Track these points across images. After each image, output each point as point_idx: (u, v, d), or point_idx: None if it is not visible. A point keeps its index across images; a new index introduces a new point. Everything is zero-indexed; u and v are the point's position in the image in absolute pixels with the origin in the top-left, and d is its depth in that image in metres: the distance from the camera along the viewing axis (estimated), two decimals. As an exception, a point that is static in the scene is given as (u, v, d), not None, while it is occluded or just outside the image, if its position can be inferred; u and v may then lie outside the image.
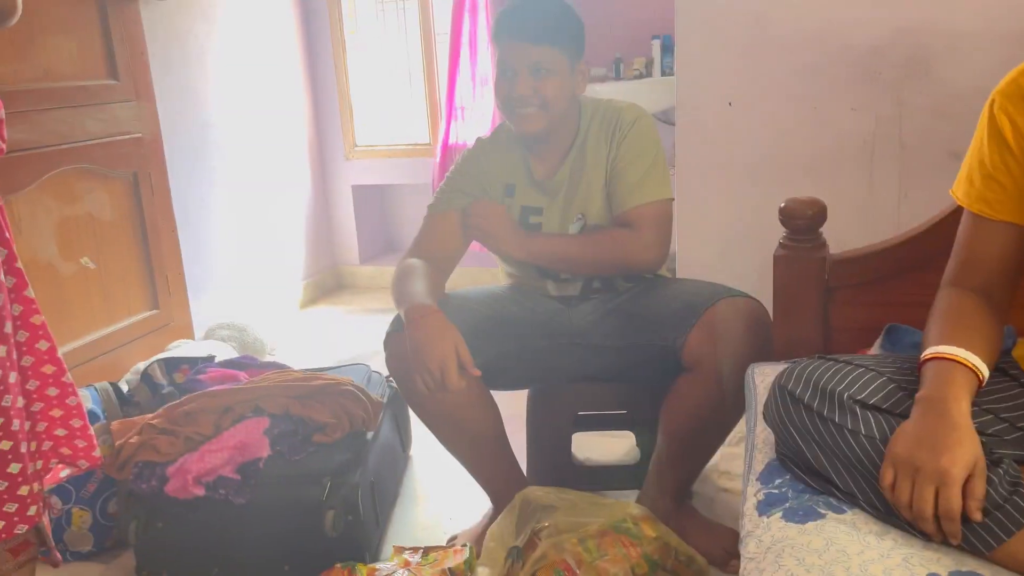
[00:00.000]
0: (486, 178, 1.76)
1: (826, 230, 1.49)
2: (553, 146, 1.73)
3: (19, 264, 1.39)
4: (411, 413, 2.22)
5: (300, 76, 3.74)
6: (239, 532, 1.63)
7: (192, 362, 2.05)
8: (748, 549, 1.00)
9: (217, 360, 2.10)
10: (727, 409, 1.58)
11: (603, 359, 1.73)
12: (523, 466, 1.88)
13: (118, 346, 2.58)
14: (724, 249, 2.39)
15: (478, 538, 1.73)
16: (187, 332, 2.87)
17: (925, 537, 0.93)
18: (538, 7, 1.65)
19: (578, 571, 1.43)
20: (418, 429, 2.24)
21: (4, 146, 1.40)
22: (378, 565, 1.62)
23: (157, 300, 2.76)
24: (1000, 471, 0.92)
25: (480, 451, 1.73)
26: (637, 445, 2.05)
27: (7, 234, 1.36)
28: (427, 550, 1.69)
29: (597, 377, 1.80)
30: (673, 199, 1.72)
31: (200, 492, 1.58)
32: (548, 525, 1.52)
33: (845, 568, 0.89)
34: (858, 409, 1.01)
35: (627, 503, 1.55)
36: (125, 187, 2.66)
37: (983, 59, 2.08)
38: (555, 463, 1.95)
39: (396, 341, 1.62)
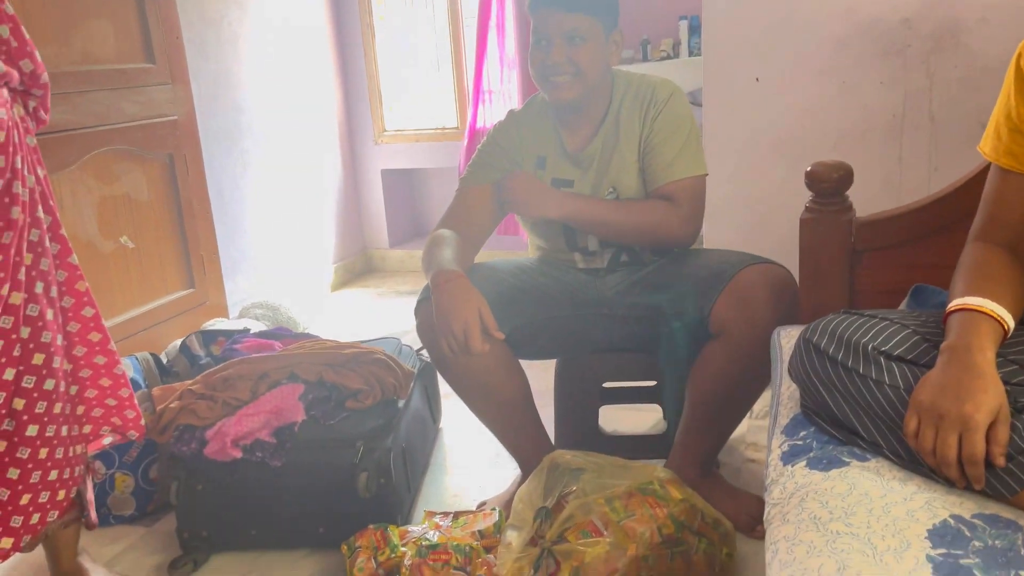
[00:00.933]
0: (517, 151, 1.78)
1: (856, 203, 1.49)
2: (586, 117, 1.74)
3: (63, 231, 1.44)
4: (441, 387, 2.27)
5: (330, 62, 3.79)
6: (275, 493, 1.68)
7: (228, 334, 2.11)
8: (772, 495, 1.02)
9: (252, 332, 2.15)
10: (754, 375, 1.60)
11: (631, 329, 1.75)
12: (551, 437, 1.91)
13: (155, 324, 2.64)
14: (752, 225, 2.39)
15: (507, 504, 1.76)
16: (222, 311, 2.94)
17: (948, 483, 0.95)
18: None
19: (605, 531, 1.46)
20: (447, 403, 2.29)
21: (48, 118, 1.45)
22: (409, 527, 1.66)
23: (193, 279, 2.83)
24: (1024, 418, 0.93)
25: (508, 417, 1.76)
26: (664, 418, 2.07)
27: (51, 202, 1.41)
28: (457, 514, 1.73)
29: (625, 347, 1.82)
30: (707, 174, 1.73)
31: (237, 454, 1.63)
32: (576, 488, 1.55)
33: (868, 510, 0.91)
34: (882, 360, 1.02)
35: (654, 466, 1.57)
36: (161, 168, 2.72)
37: (1014, 29, 2.07)
38: (583, 433, 1.98)
39: (426, 309, 1.66)
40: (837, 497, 0.94)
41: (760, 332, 1.50)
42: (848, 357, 1.04)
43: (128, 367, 1.97)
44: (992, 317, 0.97)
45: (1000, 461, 0.89)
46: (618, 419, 2.18)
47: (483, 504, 1.85)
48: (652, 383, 2.02)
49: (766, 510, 1.02)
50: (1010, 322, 0.98)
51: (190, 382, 1.77)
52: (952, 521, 0.88)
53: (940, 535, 0.86)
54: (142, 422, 1.59)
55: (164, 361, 2.09)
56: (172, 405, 1.69)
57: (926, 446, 0.92)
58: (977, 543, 0.85)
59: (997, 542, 0.85)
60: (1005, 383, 0.96)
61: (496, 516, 1.69)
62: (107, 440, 1.62)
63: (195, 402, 1.69)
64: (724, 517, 1.54)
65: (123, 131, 2.55)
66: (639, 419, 2.20)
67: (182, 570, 1.70)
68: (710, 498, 1.66)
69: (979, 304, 0.98)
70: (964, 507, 0.91)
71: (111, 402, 1.57)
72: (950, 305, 1.02)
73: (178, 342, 2.22)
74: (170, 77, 2.73)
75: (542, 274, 1.79)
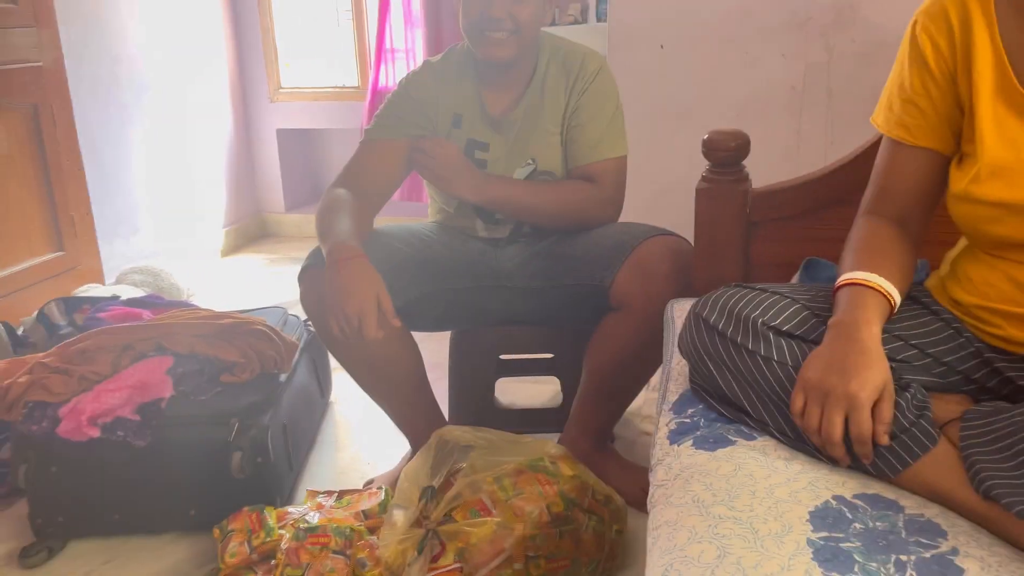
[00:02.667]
0: (432, 106, 1.66)
1: (754, 175, 1.46)
2: (511, 79, 1.65)
3: None
4: (332, 359, 2.16)
5: (220, 11, 3.55)
6: (140, 476, 1.56)
7: (93, 301, 1.94)
8: (657, 476, 0.98)
9: (121, 300, 1.99)
10: (653, 348, 1.56)
11: (529, 301, 1.69)
12: (445, 411, 1.84)
13: (17, 289, 2.43)
14: (655, 194, 2.37)
15: (395, 482, 1.68)
16: (96, 276, 2.73)
17: (833, 462, 0.92)
18: None
19: (493, 510, 1.40)
20: (339, 375, 2.18)
21: None
22: (289, 508, 1.57)
23: (62, 242, 2.61)
24: (908, 395, 0.91)
25: (399, 392, 1.68)
26: (562, 391, 2.03)
27: None
28: (342, 493, 1.65)
29: (523, 320, 1.76)
30: (627, 154, 1.68)
31: (95, 433, 1.49)
32: (465, 465, 1.48)
33: (751, 492, 0.87)
34: (771, 335, 0.99)
35: (546, 442, 1.52)
36: (24, 120, 2.48)
37: (912, 3, 2.08)
38: (478, 407, 1.92)
39: (313, 276, 1.55)
40: (722, 479, 0.91)
41: (660, 304, 1.47)
42: (737, 333, 1.00)
43: (-26, 337, 1.78)
44: (879, 291, 0.95)
45: (884, 439, 0.87)
46: (514, 392, 2.13)
47: (370, 482, 1.77)
48: (549, 355, 1.98)
49: (651, 491, 0.97)
50: (896, 297, 0.96)
51: (43, 355, 1.61)
52: (834, 502, 0.86)
53: (822, 517, 0.83)
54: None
55: (19, 331, 1.90)
56: (21, 380, 1.53)
57: (812, 424, 0.90)
58: (858, 525, 0.82)
59: (878, 523, 0.83)
60: (890, 359, 0.94)
61: (382, 495, 1.61)
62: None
63: (48, 376, 1.54)
64: (616, 493, 1.51)
65: (-23, 77, 2.31)
66: (536, 392, 2.16)
67: (35, 558, 1.56)
68: (603, 472, 1.63)
69: (866, 278, 0.96)
70: (846, 487, 0.89)
71: None
72: (839, 280, 0.99)
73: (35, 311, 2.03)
74: (34, 19, 2.49)
75: (439, 243, 1.70)
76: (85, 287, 2.58)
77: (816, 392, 0.89)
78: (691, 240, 1.57)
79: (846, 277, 0.98)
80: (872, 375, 0.87)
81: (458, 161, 1.62)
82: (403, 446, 1.85)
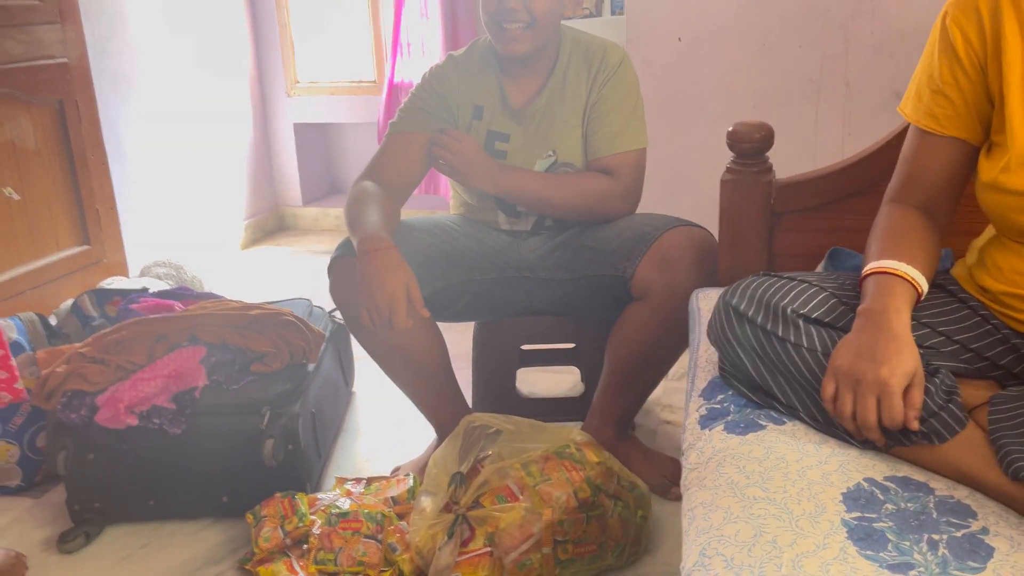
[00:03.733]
0: (453, 97, 1.69)
1: (774, 164, 1.48)
2: (532, 71, 1.67)
3: None
4: (355, 349, 2.19)
5: (241, 6, 3.58)
6: (175, 463, 1.59)
7: (124, 294, 1.98)
8: (689, 460, 1.00)
9: (151, 292, 2.02)
10: (674, 338, 1.58)
11: (551, 292, 1.72)
12: (469, 400, 1.87)
13: (45, 282, 2.47)
14: (673, 185, 2.39)
15: (422, 469, 1.72)
16: (121, 269, 2.77)
17: (864, 447, 0.95)
18: None
19: (520, 496, 1.43)
20: (361, 365, 2.21)
21: None
22: (319, 495, 1.60)
23: (88, 235, 2.65)
24: (936, 380, 0.93)
25: (425, 381, 1.71)
26: (582, 380, 2.05)
27: None
28: (370, 480, 1.68)
29: (545, 311, 1.78)
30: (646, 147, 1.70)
31: (133, 422, 1.53)
32: (492, 452, 1.52)
33: (784, 474, 0.90)
34: (800, 323, 1.01)
35: (571, 429, 1.55)
36: (50, 114, 2.52)
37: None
38: (500, 396, 1.94)
39: (343, 266, 1.58)
40: (754, 461, 0.93)
41: (682, 294, 1.49)
42: (767, 320, 1.02)
43: (10, 328, 1.82)
44: (906, 279, 0.97)
45: (915, 425, 0.89)
46: (536, 382, 2.16)
47: (397, 469, 1.80)
48: (571, 345, 2.00)
49: (683, 474, 1.00)
50: (924, 284, 0.98)
51: (79, 345, 1.65)
52: (865, 484, 0.88)
53: (854, 498, 0.86)
54: (17, 385, 1.48)
55: (53, 323, 1.94)
56: (59, 369, 1.57)
57: (845, 411, 0.92)
58: (890, 506, 0.85)
59: (909, 505, 0.85)
60: (919, 346, 0.96)
61: (410, 482, 1.64)
62: (-16, 406, 1.49)
63: (85, 366, 1.57)
64: (640, 480, 1.54)
65: (6, 73, 2.35)
66: (557, 382, 2.18)
67: (73, 543, 1.59)
68: (626, 460, 1.66)
69: (893, 267, 0.98)
70: (876, 470, 0.91)
71: None
72: (865, 268, 1.01)
73: (69, 302, 2.07)
74: (59, 16, 2.52)
75: (463, 235, 1.73)
76: (110, 280, 2.62)
77: (848, 379, 0.91)
78: (712, 230, 1.59)
79: (873, 265, 0.99)
80: (902, 361, 0.89)
81: (475, 154, 1.65)
82: (425, 434, 1.88)
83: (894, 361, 0.89)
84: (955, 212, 1.09)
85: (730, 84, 2.33)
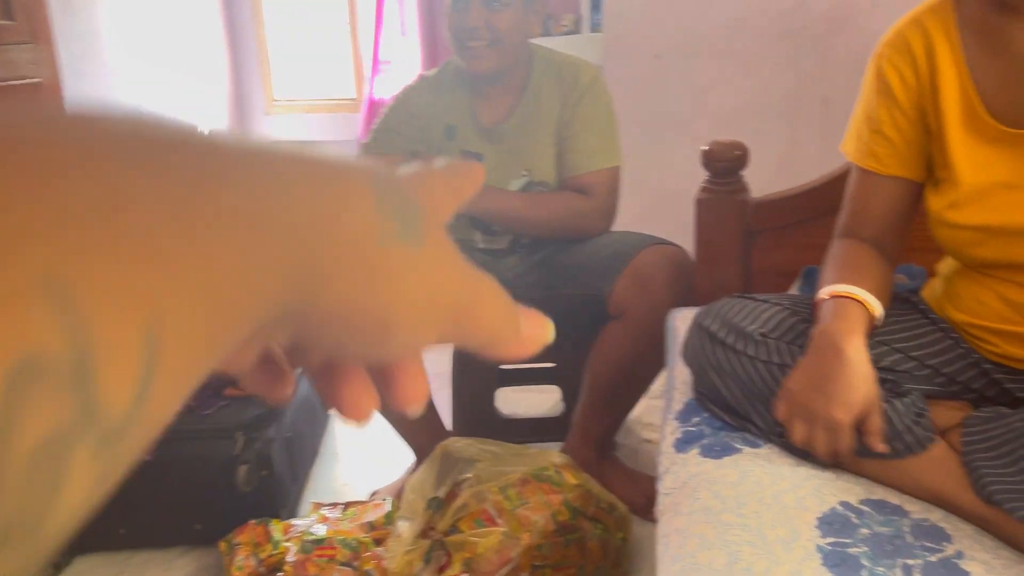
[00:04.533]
0: (425, 118, 1.68)
1: (750, 183, 1.48)
2: (503, 89, 1.67)
3: None
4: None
5: (219, 25, 3.57)
6: (147, 489, 1.56)
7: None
8: (665, 484, 0.99)
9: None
10: (652, 356, 1.57)
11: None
12: (447, 421, 1.85)
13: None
14: (651, 203, 2.38)
15: (399, 493, 1.69)
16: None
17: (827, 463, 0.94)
18: None
19: (499, 520, 1.41)
20: (340, 386, 2.18)
21: None
22: (294, 521, 1.57)
23: (61, 257, 2.61)
24: (907, 401, 0.93)
25: None
26: (563, 400, 2.04)
27: None
28: (347, 505, 1.65)
29: (522, 329, 1.77)
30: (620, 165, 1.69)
31: (102, 449, 1.49)
32: (470, 476, 1.50)
33: (759, 499, 0.89)
34: (770, 342, 1.01)
35: (550, 452, 1.54)
36: (23, 136, 2.49)
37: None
38: (479, 417, 1.93)
39: None
40: (729, 486, 0.92)
41: (659, 313, 1.48)
42: (738, 341, 1.02)
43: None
44: (860, 302, 0.96)
45: (880, 448, 0.89)
46: (516, 401, 2.14)
47: (375, 493, 1.77)
48: (550, 364, 1.99)
49: (659, 500, 0.98)
50: (878, 309, 0.97)
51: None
52: (841, 508, 0.87)
53: (829, 523, 0.84)
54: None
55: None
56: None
57: (797, 440, 0.92)
58: (865, 530, 0.84)
59: (884, 528, 0.84)
60: (891, 370, 0.98)
61: (387, 506, 1.62)
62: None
63: (53, 393, 1.54)
64: (619, 501, 1.52)
65: (-25, 94, 2.32)
66: (537, 401, 2.17)
67: (43, 575, 1.56)
68: (607, 481, 1.64)
69: (846, 290, 0.97)
70: (852, 493, 0.90)
71: None
72: (819, 294, 1.00)
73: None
74: (31, 35, 2.49)
75: None
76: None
77: (800, 410, 0.91)
78: (689, 249, 1.59)
79: (827, 290, 0.99)
80: (854, 396, 0.88)
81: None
82: (405, 457, 1.85)
83: (844, 395, 0.88)
84: (904, 244, 1.09)
85: (708, 101, 2.34)
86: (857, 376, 0.89)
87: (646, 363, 1.61)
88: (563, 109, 1.65)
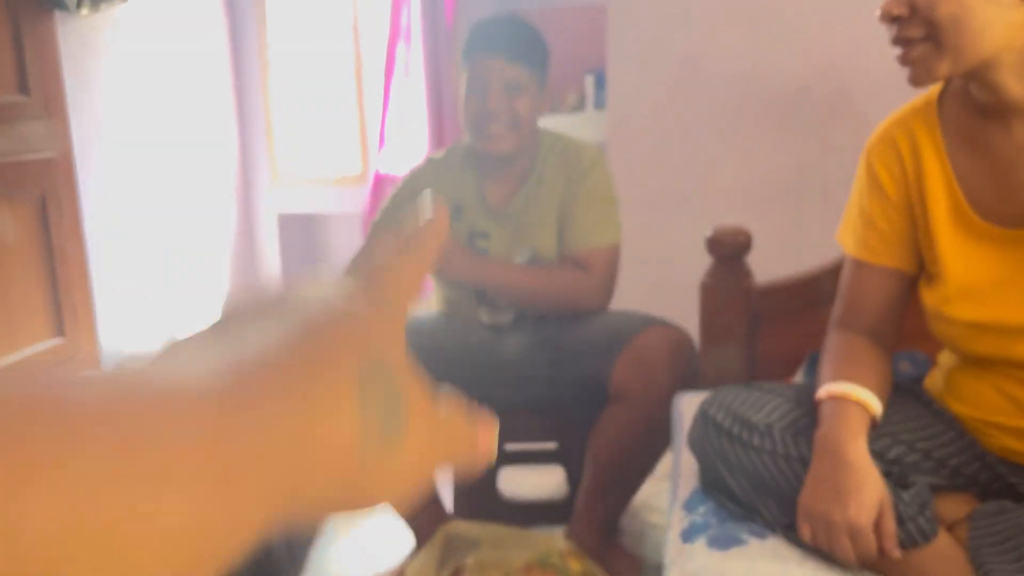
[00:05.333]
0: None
1: (755, 266, 1.49)
2: (511, 171, 1.71)
3: None
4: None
5: (228, 101, 3.65)
6: None
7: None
8: (672, 578, 0.97)
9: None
10: (654, 438, 1.56)
11: (532, 389, 1.70)
12: (448, 503, 1.82)
13: (18, 376, 2.42)
14: (654, 283, 2.39)
15: (398, 578, 1.65)
16: (94, 364, 2.72)
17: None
18: (511, 26, 1.66)
19: (501, 609, 1.37)
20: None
21: None
22: (290, 607, 1.53)
23: (64, 328, 2.61)
24: (912, 492, 0.93)
25: None
26: (567, 481, 2.01)
27: None
28: (344, 591, 1.61)
29: (527, 408, 1.76)
30: (619, 244, 1.72)
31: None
32: (471, 562, 1.46)
33: (768, 598, 0.87)
34: (774, 432, 1.00)
35: (553, 537, 1.51)
36: (32, 209, 2.52)
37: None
38: (481, 498, 1.89)
39: None
40: (737, 583, 0.90)
41: (658, 395, 1.48)
42: (743, 431, 1.01)
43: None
44: (858, 403, 0.96)
45: (895, 554, 0.88)
46: (520, 482, 2.10)
47: (375, 579, 1.73)
48: (553, 444, 1.97)
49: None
50: (876, 406, 0.98)
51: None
52: (850, 608, 0.85)
53: (839, 623, 0.82)
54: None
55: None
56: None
57: (825, 550, 0.91)
58: (875, 631, 0.81)
59: (896, 631, 0.82)
60: (896, 463, 0.97)
61: (385, 592, 1.58)
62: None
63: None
64: (624, 589, 1.48)
65: (-11, 168, 2.36)
66: (541, 482, 2.13)
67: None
68: (612, 567, 1.61)
69: (845, 391, 0.97)
70: (862, 590, 0.88)
71: None
72: (818, 393, 1.00)
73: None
74: (46, 111, 2.55)
75: (444, 332, 1.72)
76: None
77: (820, 522, 0.91)
78: (691, 330, 1.59)
79: (826, 389, 0.99)
80: (866, 497, 0.89)
81: (451, 245, 1.66)
82: (404, 542, 1.82)
83: (859, 498, 0.89)
84: (900, 331, 1.10)
85: (711, 183, 2.38)
86: (867, 479, 0.89)
87: (648, 446, 1.60)
88: (566, 189, 1.68)
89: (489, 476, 1.91)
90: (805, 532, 0.92)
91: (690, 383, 1.48)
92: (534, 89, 1.64)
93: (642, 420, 1.53)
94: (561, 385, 1.65)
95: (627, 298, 2.41)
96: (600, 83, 3.52)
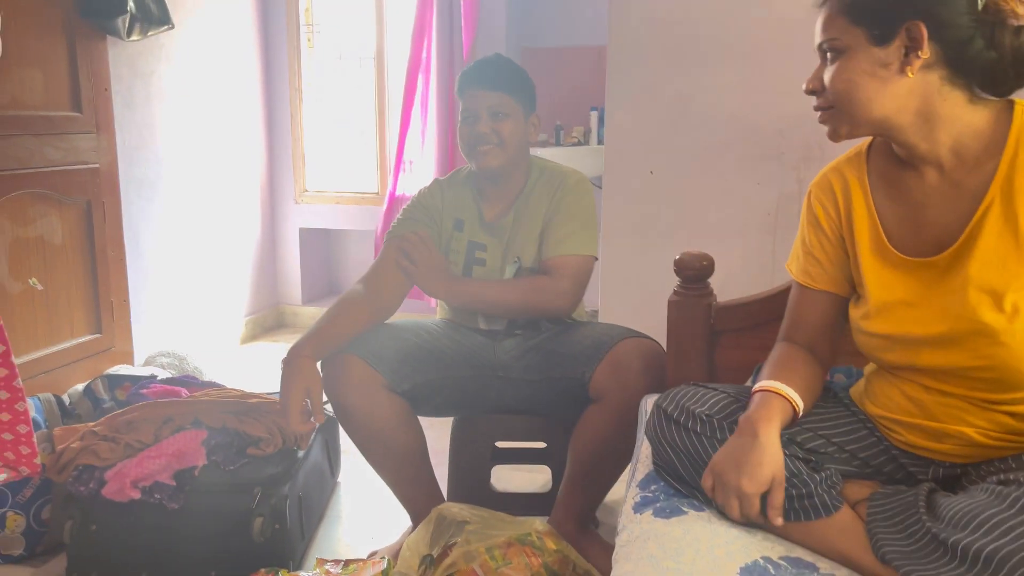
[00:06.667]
0: (439, 212, 1.96)
1: (734, 291, 1.69)
2: (503, 191, 1.95)
3: None
4: (342, 442, 2.36)
5: (258, 121, 3.91)
6: (170, 536, 1.73)
7: (134, 379, 2.16)
8: (621, 538, 1.17)
9: (159, 379, 2.20)
10: (628, 437, 1.76)
11: (522, 391, 1.91)
12: (444, 494, 2.02)
13: (59, 366, 2.65)
14: (643, 300, 2.60)
15: (397, 554, 1.85)
16: (128, 358, 2.95)
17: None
18: (496, 63, 1.92)
19: (484, 577, 1.58)
20: (347, 458, 2.37)
21: None
22: (301, 572, 1.73)
23: (101, 324, 2.85)
24: (824, 475, 1.13)
25: (403, 469, 1.87)
26: (552, 479, 2.21)
27: None
28: (347, 562, 1.81)
29: (518, 409, 1.96)
30: (596, 258, 1.92)
31: (136, 495, 1.68)
32: (460, 538, 1.67)
33: (695, 550, 1.07)
34: (714, 421, 1.21)
35: (534, 520, 1.71)
36: (78, 214, 2.77)
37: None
38: (474, 490, 2.09)
39: (334, 363, 1.78)
40: (672, 540, 1.10)
41: (632, 397, 1.68)
42: (688, 420, 1.22)
43: (29, 407, 1.99)
44: (783, 397, 1.17)
45: (778, 521, 1.09)
46: (509, 479, 2.31)
47: (374, 553, 1.93)
48: (542, 444, 2.16)
49: (615, 550, 1.17)
50: (799, 402, 1.17)
51: (93, 424, 1.82)
52: (762, 561, 1.05)
53: (750, 571, 1.03)
54: (36, 460, 1.63)
55: (67, 403, 2.11)
56: (73, 445, 1.74)
57: (719, 503, 1.13)
58: (779, 579, 1.02)
59: (795, 579, 1.02)
60: (815, 452, 1.18)
61: (384, 564, 1.78)
62: (1, 476, 1.65)
63: (97, 443, 1.74)
64: (595, 569, 1.68)
65: (43, 175, 2.60)
66: (529, 480, 2.33)
67: (68, 611, 1.72)
68: (586, 552, 1.80)
69: (774, 387, 1.18)
70: (774, 551, 1.09)
71: (7, 436, 1.60)
72: (754, 388, 1.21)
73: (81, 385, 2.25)
74: (95, 126, 2.81)
75: (444, 336, 1.93)
76: (117, 367, 2.80)
77: (719, 480, 1.12)
78: (664, 343, 1.79)
79: (759, 385, 1.20)
80: (761, 471, 1.09)
81: (435, 267, 1.88)
82: (402, 524, 2.02)
83: (755, 471, 1.09)
84: (835, 348, 1.30)
85: (695, 214, 2.59)
86: (767, 456, 1.09)
87: (622, 443, 1.78)
88: (548, 205, 1.92)
89: (483, 471, 2.11)
90: (707, 483, 1.13)
91: (660, 388, 1.68)
92: (518, 115, 1.88)
93: (616, 419, 1.74)
94: (548, 388, 1.86)
95: (616, 312, 2.63)
96: (604, 119, 3.75)
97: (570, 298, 1.87)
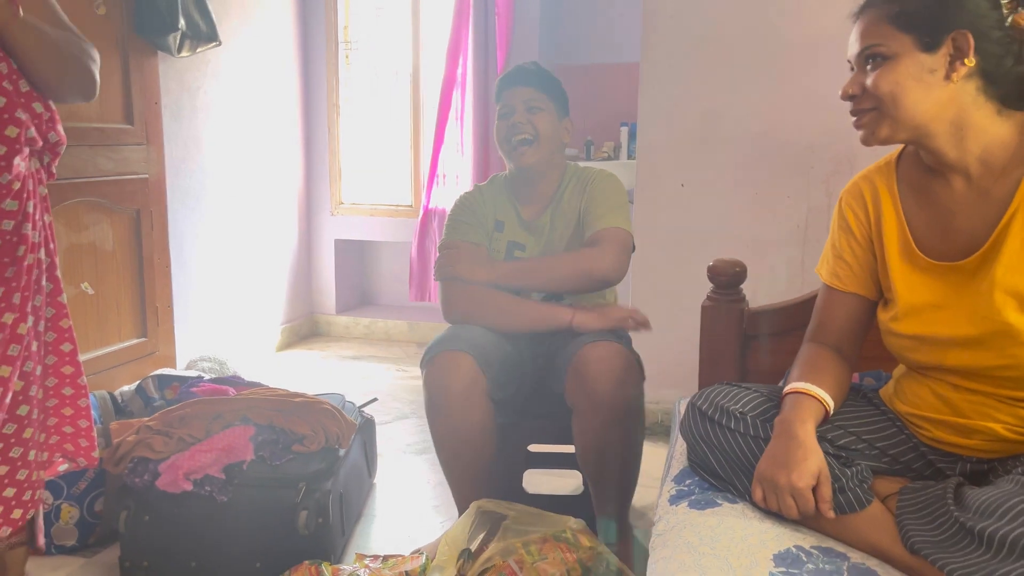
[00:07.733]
0: (480, 214, 2.05)
1: (765, 300, 1.74)
2: (539, 191, 2.03)
3: (58, 272, 1.60)
4: (378, 445, 2.42)
5: (297, 135, 4.02)
6: (219, 527, 1.81)
7: (183, 380, 2.24)
8: (658, 528, 1.23)
9: (207, 379, 2.29)
10: (618, 437, 1.78)
11: (550, 396, 1.98)
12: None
13: (106, 368, 2.75)
14: (674, 311, 2.65)
15: (436, 551, 1.91)
16: (170, 362, 3.05)
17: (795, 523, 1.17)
18: (531, 65, 2.02)
19: (520, 572, 1.63)
20: (383, 461, 2.43)
21: (64, 138, 1.59)
22: (341, 566, 1.80)
23: (146, 329, 2.95)
24: (855, 470, 1.17)
25: (470, 473, 1.91)
26: (583, 482, 2.25)
27: (52, 245, 1.58)
28: (386, 557, 1.88)
29: (549, 414, 2.02)
30: (631, 234, 1.95)
31: (188, 487, 1.76)
32: (498, 533, 1.72)
33: (730, 538, 1.12)
34: (747, 418, 1.26)
35: (568, 517, 1.76)
36: (128, 222, 2.88)
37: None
38: (507, 492, 2.14)
39: (439, 362, 1.82)
40: (707, 529, 1.16)
41: (600, 404, 1.72)
42: (723, 418, 1.27)
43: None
44: (814, 398, 1.22)
45: (830, 513, 1.13)
46: (540, 483, 2.36)
47: (417, 551, 1.99)
48: (573, 448, 2.21)
49: (652, 538, 1.22)
50: (829, 401, 1.23)
51: (147, 419, 1.90)
52: (794, 549, 1.10)
53: (783, 558, 1.07)
54: (94, 453, 1.71)
55: (119, 400, 2.21)
56: (129, 439, 1.82)
57: (772, 508, 1.17)
58: (811, 566, 1.07)
59: (826, 566, 1.07)
60: (845, 449, 1.23)
61: (423, 559, 1.84)
62: (62, 467, 1.74)
63: (152, 436, 1.82)
64: (628, 569, 1.73)
65: (96, 185, 2.72)
66: (561, 484, 2.38)
67: (120, 598, 1.79)
68: (618, 552, 1.84)
69: (804, 388, 1.23)
70: (806, 540, 1.13)
71: (68, 429, 1.68)
72: (784, 390, 1.26)
73: (132, 385, 2.34)
74: (145, 138, 2.92)
75: (510, 345, 1.96)
76: (160, 370, 2.89)
77: (769, 484, 1.16)
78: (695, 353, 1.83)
79: (790, 387, 1.26)
80: (807, 466, 1.14)
81: (469, 258, 1.95)
82: (437, 524, 2.07)
83: (801, 467, 1.14)
84: (860, 350, 1.35)
85: (727, 227, 2.64)
86: (809, 452, 1.14)
87: (613, 444, 1.80)
88: (581, 198, 2.00)
89: (516, 475, 2.16)
90: (757, 493, 1.17)
91: (626, 388, 1.72)
92: (552, 112, 1.97)
93: (596, 426, 1.76)
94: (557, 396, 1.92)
95: (656, 322, 2.67)
96: (634, 134, 3.82)
97: (615, 263, 1.88)
